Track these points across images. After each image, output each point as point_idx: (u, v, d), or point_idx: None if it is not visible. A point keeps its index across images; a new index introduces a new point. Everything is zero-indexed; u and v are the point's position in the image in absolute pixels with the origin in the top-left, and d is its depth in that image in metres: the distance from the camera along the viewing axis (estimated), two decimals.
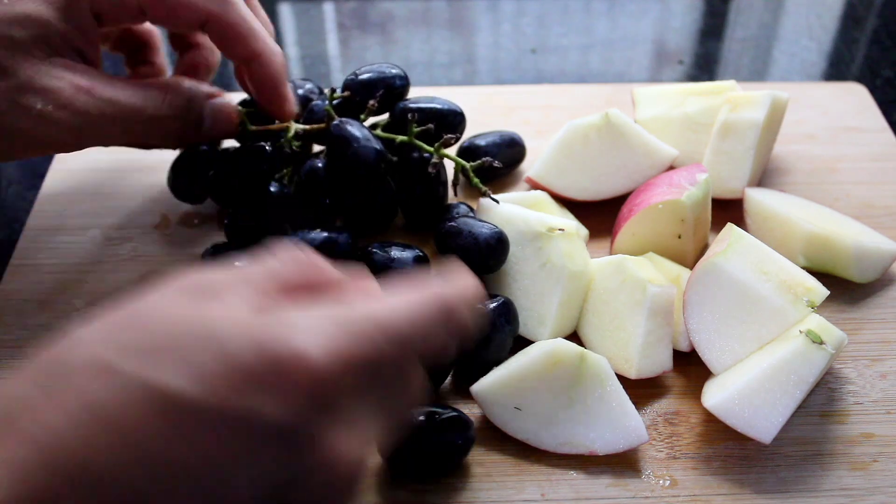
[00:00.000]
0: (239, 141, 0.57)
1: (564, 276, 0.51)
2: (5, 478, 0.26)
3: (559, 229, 0.52)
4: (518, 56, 0.83)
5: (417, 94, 0.58)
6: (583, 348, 0.48)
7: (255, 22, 0.51)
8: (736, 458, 0.47)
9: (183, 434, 0.27)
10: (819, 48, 0.84)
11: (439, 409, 0.46)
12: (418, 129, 0.55)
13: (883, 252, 0.56)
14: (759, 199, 0.58)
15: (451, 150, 0.61)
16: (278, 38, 0.55)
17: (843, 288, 0.56)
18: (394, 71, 0.58)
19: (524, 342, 0.51)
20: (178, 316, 0.30)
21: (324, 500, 0.31)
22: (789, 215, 0.56)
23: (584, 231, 0.58)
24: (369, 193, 0.56)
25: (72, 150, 0.51)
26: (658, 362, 0.50)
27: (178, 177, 0.58)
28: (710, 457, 0.47)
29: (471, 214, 0.55)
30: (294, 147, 0.54)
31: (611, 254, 0.57)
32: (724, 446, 0.48)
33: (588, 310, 0.53)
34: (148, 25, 0.59)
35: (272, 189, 0.54)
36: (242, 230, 0.54)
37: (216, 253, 0.55)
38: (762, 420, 0.45)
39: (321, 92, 0.60)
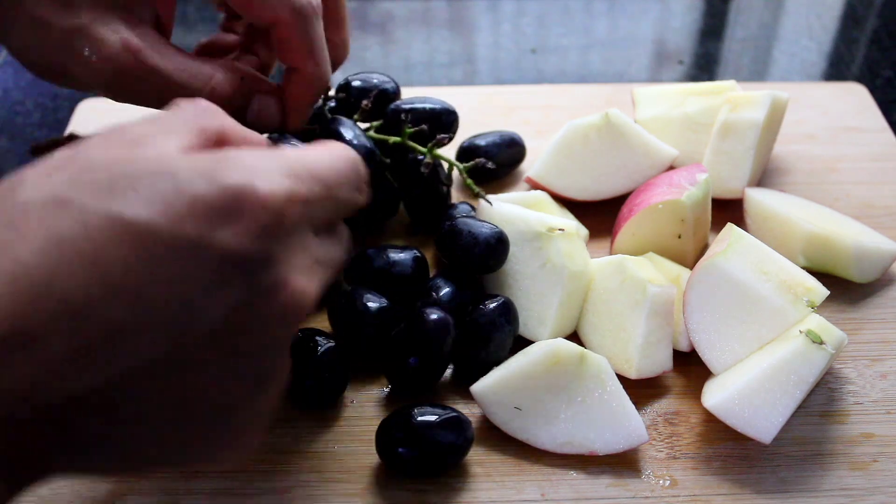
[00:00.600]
0: None
1: (564, 276, 0.51)
2: None
3: (559, 229, 0.52)
4: (518, 56, 0.83)
5: (416, 94, 0.58)
6: (583, 348, 0.48)
7: (320, 41, 0.51)
8: (736, 458, 0.47)
9: (149, 263, 0.28)
10: (819, 48, 0.84)
11: (439, 410, 0.46)
12: (411, 129, 0.55)
13: (883, 252, 0.56)
14: (759, 199, 0.58)
15: (449, 150, 0.61)
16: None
17: (843, 288, 0.56)
18: (385, 79, 0.58)
19: (524, 342, 0.51)
20: (123, 156, 0.31)
21: (275, 328, 0.32)
22: (789, 215, 0.56)
23: (584, 231, 0.58)
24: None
25: (111, 99, 0.51)
26: (658, 362, 0.50)
27: None
28: (710, 457, 0.47)
29: (472, 214, 0.55)
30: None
31: (611, 254, 0.57)
32: (724, 446, 0.48)
33: (588, 310, 0.53)
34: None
35: None
36: None
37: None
38: (762, 420, 0.45)
39: None
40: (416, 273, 0.53)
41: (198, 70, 0.50)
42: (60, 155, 0.31)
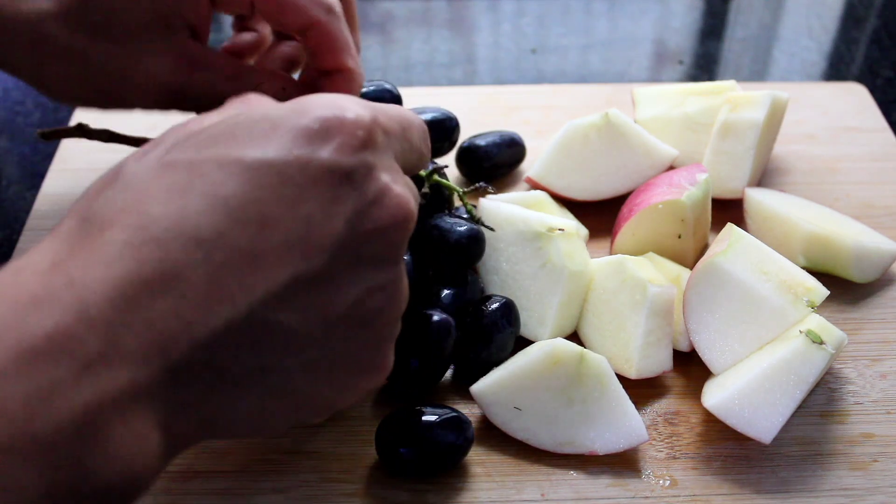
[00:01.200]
0: None
1: (564, 276, 0.51)
2: (112, 255, 0.29)
3: (559, 229, 0.52)
4: (518, 56, 0.83)
5: (416, 94, 0.58)
6: (582, 348, 0.48)
7: (350, 38, 0.52)
8: (736, 458, 0.47)
9: (264, 189, 0.31)
10: (819, 48, 0.84)
11: (439, 410, 0.46)
12: None
13: (883, 252, 0.56)
14: (759, 199, 0.58)
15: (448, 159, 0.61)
16: None
17: (843, 288, 0.56)
18: (386, 86, 0.57)
19: (524, 342, 0.51)
20: (212, 120, 0.35)
21: (390, 234, 0.35)
22: (789, 215, 0.56)
23: (584, 231, 0.58)
24: None
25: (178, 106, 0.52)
26: (658, 362, 0.50)
27: None
28: (710, 457, 0.47)
29: (456, 213, 0.54)
30: None
31: (611, 254, 0.57)
32: (724, 446, 0.48)
33: (588, 310, 0.53)
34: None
35: None
36: None
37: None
38: (762, 420, 0.45)
39: None
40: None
41: (246, 78, 0.50)
42: (146, 145, 0.34)
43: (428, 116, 0.57)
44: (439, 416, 0.46)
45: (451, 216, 0.52)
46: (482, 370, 0.48)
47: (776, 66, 0.83)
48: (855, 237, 0.55)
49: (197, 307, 0.29)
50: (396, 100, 0.57)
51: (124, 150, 0.56)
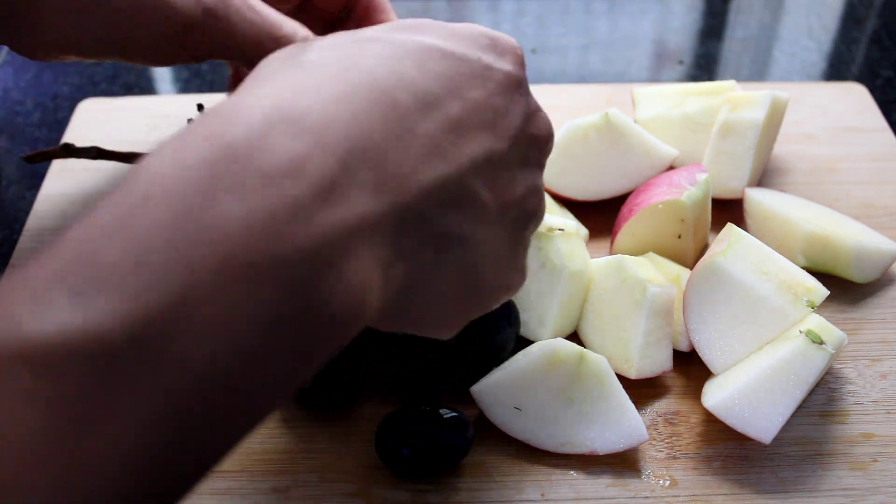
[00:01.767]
0: None
1: (564, 276, 0.51)
2: (356, 99, 0.30)
3: (559, 229, 0.52)
4: None
5: None
6: (582, 348, 0.48)
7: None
8: (736, 458, 0.47)
9: (463, 74, 0.35)
10: (819, 48, 0.84)
11: (439, 410, 0.46)
12: None
13: (883, 252, 0.56)
14: (759, 199, 0.58)
15: None
16: None
17: (843, 288, 0.56)
18: None
19: (524, 342, 0.51)
20: (383, 26, 0.37)
21: (542, 146, 0.39)
22: (789, 215, 0.56)
23: (584, 231, 0.58)
24: None
25: (189, 45, 0.49)
26: (658, 362, 0.50)
27: None
28: (710, 457, 0.47)
29: None
30: None
31: (611, 254, 0.57)
32: (724, 446, 0.48)
33: (588, 310, 0.53)
34: None
35: None
36: None
37: None
38: (762, 420, 0.45)
39: None
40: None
41: (286, 18, 0.50)
42: (335, 36, 0.36)
43: None
44: (439, 416, 0.46)
45: None
46: (482, 371, 0.48)
47: (776, 66, 0.83)
48: (855, 237, 0.55)
49: (420, 157, 0.31)
50: None
51: (128, 146, 0.56)
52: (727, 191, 0.60)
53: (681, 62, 0.83)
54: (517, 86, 0.37)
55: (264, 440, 0.48)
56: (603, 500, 0.45)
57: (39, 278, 0.24)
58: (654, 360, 0.50)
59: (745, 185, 0.59)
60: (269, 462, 0.47)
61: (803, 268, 0.52)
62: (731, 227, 0.52)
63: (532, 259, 0.52)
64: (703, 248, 0.57)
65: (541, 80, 0.80)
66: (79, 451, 0.22)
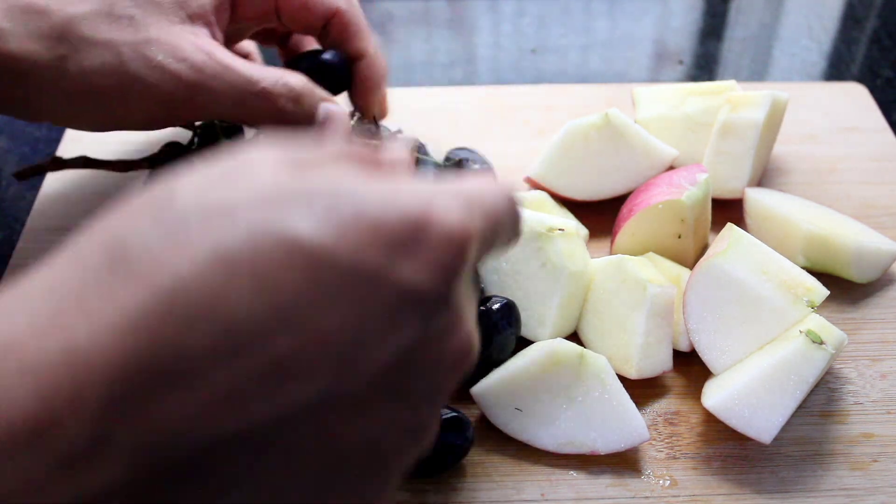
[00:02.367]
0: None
1: (564, 276, 0.51)
2: (124, 325, 0.24)
3: (559, 229, 0.52)
4: (518, 56, 0.83)
5: (416, 94, 0.58)
6: (582, 348, 0.48)
7: (366, 25, 0.55)
8: (736, 458, 0.47)
9: (322, 291, 0.25)
10: (819, 48, 0.84)
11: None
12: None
13: (883, 252, 0.56)
14: (759, 199, 0.58)
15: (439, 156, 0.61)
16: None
17: (843, 288, 0.56)
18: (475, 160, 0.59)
19: (524, 342, 0.51)
20: (291, 173, 0.28)
21: (442, 375, 0.30)
22: (789, 215, 0.56)
23: (584, 231, 0.58)
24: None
25: (180, 114, 0.51)
26: (658, 362, 0.50)
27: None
28: (710, 457, 0.47)
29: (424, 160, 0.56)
30: None
31: (611, 254, 0.57)
32: (724, 446, 0.48)
33: (588, 310, 0.53)
34: (247, 45, 0.61)
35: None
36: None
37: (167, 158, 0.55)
38: (762, 420, 0.45)
39: None
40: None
41: (266, 70, 0.51)
42: (218, 169, 0.28)
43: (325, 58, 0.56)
44: (440, 416, 0.46)
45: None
46: (482, 371, 0.48)
47: (776, 66, 0.83)
48: (855, 237, 0.55)
49: (205, 412, 0.24)
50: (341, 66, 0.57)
51: (121, 153, 0.56)
52: (727, 191, 0.60)
53: (681, 62, 0.83)
54: (411, 306, 0.27)
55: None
56: (603, 500, 0.45)
57: None
58: (654, 360, 0.50)
59: (745, 185, 0.59)
60: None
61: (803, 268, 0.52)
62: (731, 227, 0.52)
63: (532, 259, 0.52)
64: (703, 248, 0.57)
65: (541, 80, 0.80)
66: None
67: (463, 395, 0.49)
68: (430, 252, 0.27)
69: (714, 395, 0.47)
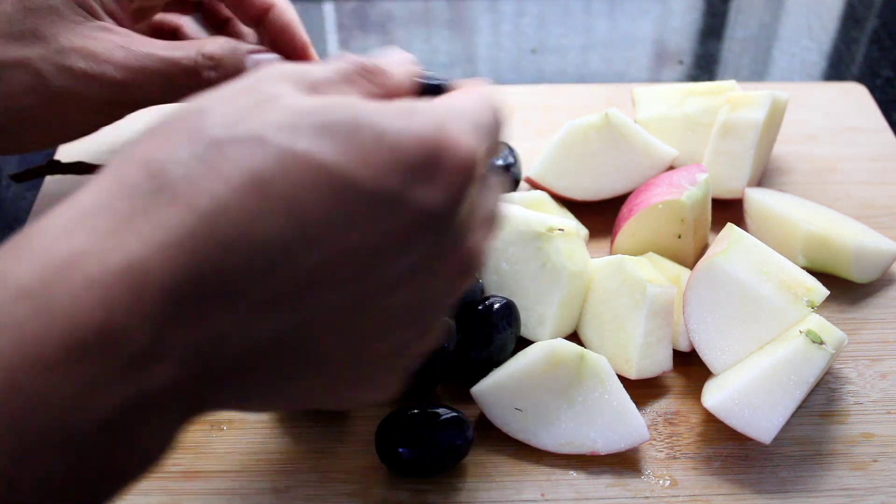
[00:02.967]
0: None
1: (564, 276, 0.51)
2: (173, 245, 0.26)
3: (559, 229, 0.52)
4: (518, 56, 0.83)
5: None
6: (582, 348, 0.48)
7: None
8: (736, 458, 0.47)
9: (346, 212, 0.28)
10: (819, 48, 0.84)
11: (439, 410, 0.46)
12: None
13: (883, 252, 0.56)
14: (759, 199, 0.58)
15: None
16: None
17: (843, 288, 0.56)
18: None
19: (524, 342, 0.51)
20: (314, 101, 0.30)
21: (451, 282, 0.33)
22: (789, 215, 0.56)
23: (584, 231, 0.58)
24: None
25: (118, 112, 0.51)
26: (658, 362, 0.50)
27: None
28: (710, 457, 0.47)
29: None
30: None
31: (611, 254, 0.57)
32: (724, 446, 0.48)
33: (588, 310, 0.53)
34: (175, 19, 0.60)
35: None
36: None
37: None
38: (762, 420, 0.45)
39: None
40: None
41: (184, 46, 0.50)
42: (244, 97, 0.30)
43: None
44: (439, 416, 0.46)
45: None
46: (482, 371, 0.48)
47: (776, 66, 0.83)
48: (855, 237, 0.55)
49: (246, 319, 0.28)
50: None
51: None
52: (727, 191, 0.60)
53: (681, 62, 0.83)
54: (427, 224, 0.30)
55: (264, 440, 0.48)
56: (603, 500, 0.45)
57: None
58: (654, 360, 0.50)
59: (745, 185, 0.59)
60: (269, 462, 0.47)
61: (803, 268, 0.52)
62: (731, 227, 0.52)
63: (532, 259, 0.52)
64: (703, 248, 0.57)
65: (541, 80, 0.80)
66: None
67: (463, 395, 0.49)
68: (444, 177, 0.30)
69: (714, 395, 0.47)
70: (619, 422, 0.47)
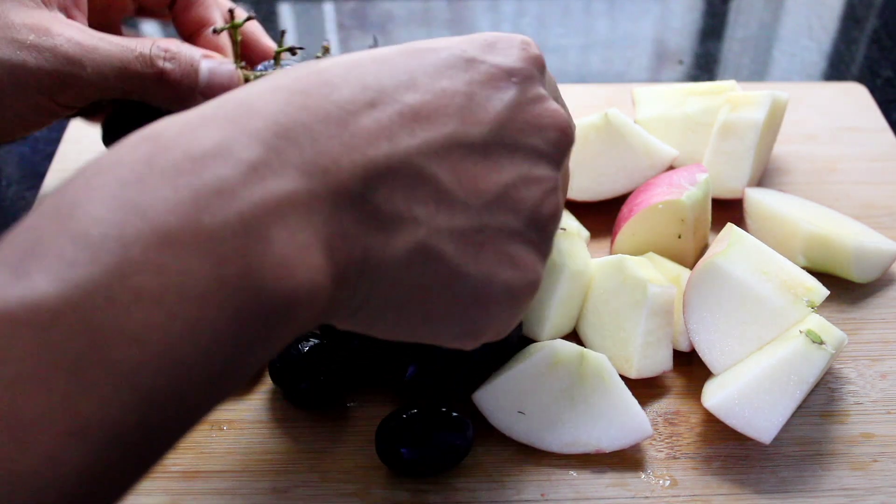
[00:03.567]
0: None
1: (564, 275, 0.51)
2: (294, 88, 0.32)
3: (561, 228, 0.52)
4: None
5: None
6: (582, 347, 0.48)
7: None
8: (736, 458, 0.47)
9: (430, 66, 0.35)
10: (819, 48, 0.84)
11: (439, 410, 0.46)
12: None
13: (883, 252, 0.56)
14: (759, 199, 0.58)
15: None
16: (278, 38, 0.56)
17: (843, 288, 0.56)
18: None
19: (524, 342, 0.51)
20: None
21: (542, 133, 0.38)
22: (789, 215, 0.56)
23: (585, 233, 0.58)
24: None
25: (66, 97, 0.50)
26: (658, 362, 0.50)
27: (110, 135, 0.56)
28: (710, 457, 0.47)
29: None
30: None
31: (611, 254, 0.57)
32: (724, 446, 0.48)
33: (588, 310, 0.53)
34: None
35: None
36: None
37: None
38: (762, 420, 0.45)
39: None
40: None
41: (123, 43, 0.50)
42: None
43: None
44: (439, 416, 0.46)
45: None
46: (482, 372, 0.48)
47: (776, 66, 0.83)
48: (855, 237, 0.55)
49: (359, 138, 0.32)
50: None
51: None
52: (727, 191, 0.60)
53: (681, 62, 0.83)
54: (507, 76, 0.37)
55: (264, 440, 0.48)
56: (603, 500, 0.45)
57: None
58: (654, 360, 0.50)
59: (745, 185, 0.59)
60: (269, 462, 0.47)
61: (803, 268, 0.52)
62: (731, 227, 0.52)
63: None
64: (703, 248, 0.57)
65: None
66: (17, 414, 0.23)
67: (464, 399, 0.49)
68: (509, 49, 0.38)
69: (714, 395, 0.47)
70: (622, 419, 0.47)
